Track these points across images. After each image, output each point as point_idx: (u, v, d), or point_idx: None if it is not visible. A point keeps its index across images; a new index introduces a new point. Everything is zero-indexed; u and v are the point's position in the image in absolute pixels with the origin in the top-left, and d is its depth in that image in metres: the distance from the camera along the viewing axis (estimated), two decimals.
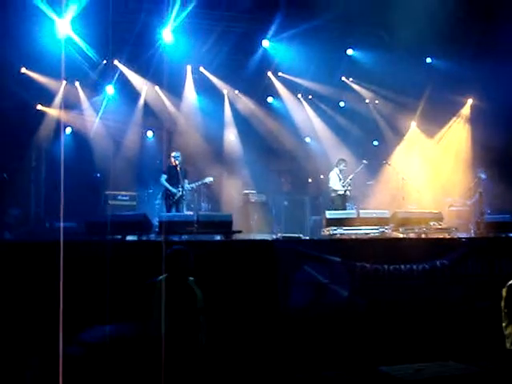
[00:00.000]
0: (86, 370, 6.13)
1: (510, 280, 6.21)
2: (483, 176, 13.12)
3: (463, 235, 10.51)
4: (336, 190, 13.14)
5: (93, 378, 6.16)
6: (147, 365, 5.51)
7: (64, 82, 14.58)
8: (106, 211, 13.53)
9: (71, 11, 12.09)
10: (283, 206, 15.66)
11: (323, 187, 15.20)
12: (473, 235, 10.82)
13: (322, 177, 15.93)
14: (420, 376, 6.56)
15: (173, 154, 12.31)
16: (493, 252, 8.91)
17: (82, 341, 6.40)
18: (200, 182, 12.47)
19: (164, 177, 12.21)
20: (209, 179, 12.48)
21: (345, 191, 13.12)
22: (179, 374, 5.49)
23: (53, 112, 14.94)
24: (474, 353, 7.45)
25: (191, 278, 5.97)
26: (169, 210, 11.98)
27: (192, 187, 12.38)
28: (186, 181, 12.23)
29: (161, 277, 5.83)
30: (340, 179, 13.16)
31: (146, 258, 6.97)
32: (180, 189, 12.04)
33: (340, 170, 13.29)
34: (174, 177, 12.12)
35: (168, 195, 12.11)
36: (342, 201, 13.12)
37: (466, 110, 16.11)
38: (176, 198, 12.02)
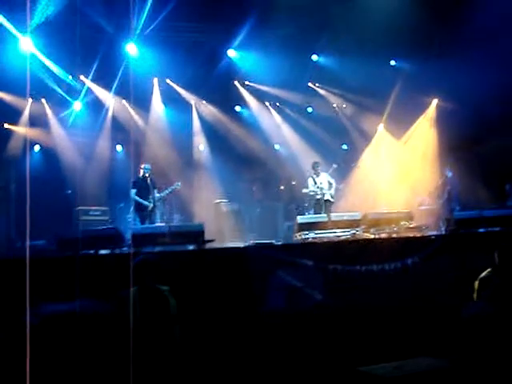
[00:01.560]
0: (41, 337, 6.16)
1: (481, 273, 6.33)
2: (450, 174, 13.33)
3: (433, 233, 10.65)
4: (313, 195, 13.16)
5: (47, 345, 6.18)
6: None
7: (30, 100, 14.51)
8: (77, 227, 13.44)
9: (34, 27, 11.99)
10: (256, 213, 15.70)
11: (295, 193, 15.29)
12: (443, 232, 10.95)
13: (293, 183, 16.03)
14: (399, 373, 6.59)
15: (142, 165, 12.32)
16: (463, 248, 9.03)
17: (39, 313, 6.44)
18: (169, 190, 12.50)
19: (133, 191, 12.18)
20: (177, 185, 12.52)
21: (323, 195, 13.02)
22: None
23: (20, 130, 14.84)
24: (449, 347, 7.54)
25: (165, 287, 5.98)
26: (143, 223, 11.97)
27: (161, 196, 12.40)
28: (156, 191, 12.26)
29: (132, 288, 5.84)
30: (315, 183, 13.17)
31: (118, 271, 6.95)
32: (151, 200, 12.06)
33: (316, 174, 13.25)
34: (145, 189, 12.13)
35: (140, 208, 12.11)
36: (322, 205, 12.99)
37: (431, 111, 16.31)
38: (149, 209, 12.03)
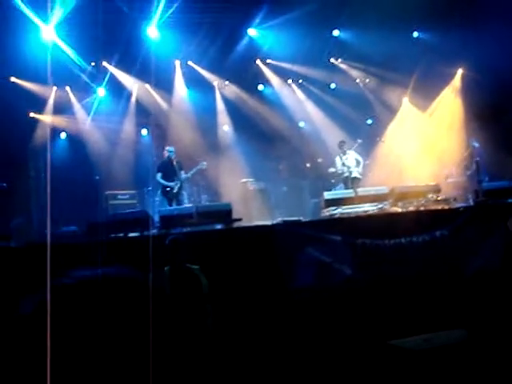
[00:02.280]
0: (76, 296, 6.33)
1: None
2: (476, 145, 13.19)
3: (462, 204, 10.58)
4: (341, 173, 13.20)
5: (81, 303, 6.35)
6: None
7: (54, 88, 14.65)
8: (106, 211, 13.60)
9: (56, 16, 12.07)
10: (282, 191, 15.72)
11: (321, 171, 15.26)
12: (471, 204, 10.87)
13: (319, 160, 15.99)
14: (429, 345, 6.61)
15: (167, 148, 12.44)
16: (493, 218, 8.95)
17: (73, 275, 6.61)
18: (195, 169, 12.57)
19: (159, 174, 12.37)
20: (202, 164, 12.60)
21: (350, 173, 13.04)
22: (186, 360, 5.60)
23: (46, 118, 15.00)
24: (480, 320, 7.53)
25: (195, 267, 6.07)
26: (170, 205, 12.10)
27: (188, 176, 12.49)
28: (183, 172, 12.36)
29: (165, 268, 5.94)
30: (342, 162, 13.18)
31: (148, 253, 7.04)
32: (177, 182, 12.16)
33: (343, 153, 13.30)
34: (170, 171, 12.29)
35: (167, 191, 12.24)
36: (350, 183, 12.96)
37: (456, 81, 16.07)
38: (175, 191, 12.15)
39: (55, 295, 4.34)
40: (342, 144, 13.41)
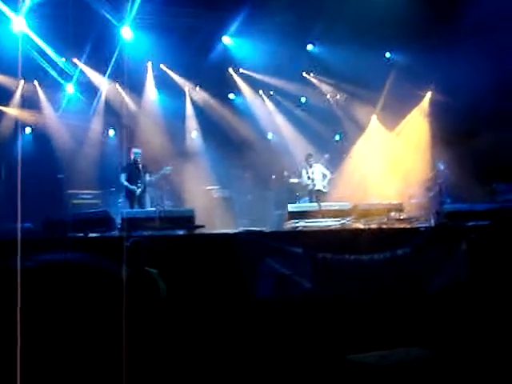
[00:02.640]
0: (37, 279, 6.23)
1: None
2: (442, 167, 13.36)
3: (423, 224, 10.69)
4: (305, 186, 13.29)
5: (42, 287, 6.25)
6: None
7: (22, 81, 14.42)
8: (68, 210, 13.39)
9: (27, 7, 11.88)
10: (247, 201, 15.69)
11: (287, 182, 15.29)
12: (433, 224, 10.99)
13: (285, 173, 16.03)
14: (387, 362, 6.62)
15: (133, 150, 12.31)
16: (452, 240, 9.07)
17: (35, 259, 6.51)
18: (160, 174, 12.44)
19: (123, 176, 12.18)
20: (167, 169, 12.46)
21: (314, 185, 13.15)
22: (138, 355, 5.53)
23: (11, 111, 14.74)
24: (438, 338, 7.59)
25: (154, 270, 6.00)
26: (132, 207, 11.95)
27: (151, 180, 12.37)
28: (147, 175, 12.23)
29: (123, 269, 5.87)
30: (307, 174, 13.26)
31: (108, 254, 6.96)
32: (141, 185, 12.04)
33: (310, 165, 13.38)
34: (134, 173, 12.12)
35: (129, 193, 12.11)
36: (314, 196, 13.13)
37: (425, 103, 16.30)
38: (137, 194, 12.02)
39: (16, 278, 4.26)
40: (308, 157, 13.52)
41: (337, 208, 10.92)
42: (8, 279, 4.24)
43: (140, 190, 12.05)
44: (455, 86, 13.58)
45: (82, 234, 9.05)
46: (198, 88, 16.41)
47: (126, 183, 12.11)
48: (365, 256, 8.56)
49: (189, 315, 7.05)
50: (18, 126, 14.50)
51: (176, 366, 5.96)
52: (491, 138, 13.15)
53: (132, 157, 12.23)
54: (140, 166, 12.12)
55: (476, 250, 8.75)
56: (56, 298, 6.42)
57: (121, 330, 4.95)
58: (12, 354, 3.84)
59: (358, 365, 6.59)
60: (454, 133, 13.96)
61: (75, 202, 13.93)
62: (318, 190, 13.12)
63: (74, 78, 14.90)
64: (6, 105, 14.71)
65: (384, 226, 10.33)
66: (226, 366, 6.82)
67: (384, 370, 5.98)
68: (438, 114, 15.19)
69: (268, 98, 17.23)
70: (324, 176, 13.35)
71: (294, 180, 13.43)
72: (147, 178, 12.17)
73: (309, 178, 13.18)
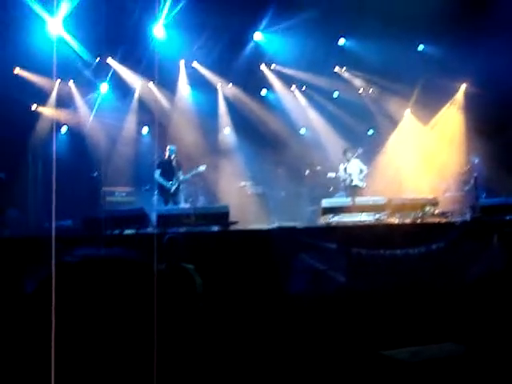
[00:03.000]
0: (78, 273, 6.35)
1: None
2: (476, 160, 13.22)
3: (458, 219, 10.59)
4: (343, 180, 13.34)
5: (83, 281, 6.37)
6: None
7: (58, 81, 14.64)
8: (103, 208, 13.58)
9: (63, 10, 12.07)
10: (280, 197, 15.71)
11: (320, 178, 15.27)
12: (467, 219, 10.88)
13: (318, 168, 16.00)
14: (419, 358, 6.60)
15: (168, 147, 12.43)
16: (488, 234, 8.96)
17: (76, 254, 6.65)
18: (194, 172, 12.53)
19: (158, 172, 12.32)
20: (202, 167, 12.54)
21: (351, 181, 13.20)
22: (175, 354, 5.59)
23: (48, 111, 14.99)
24: (473, 333, 7.52)
25: (190, 266, 6.07)
26: (166, 204, 12.08)
27: (186, 178, 12.48)
28: (180, 172, 12.34)
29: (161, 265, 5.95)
30: (345, 169, 13.30)
31: (144, 250, 7.06)
32: (174, 182, 12.16)
33: (347, 160, 13.41)
34: (169, 170, 12.26)
35: (163, 190, 12.24)
36: (350, 191, 13.21)
37: (459, 96, 16.13)
38: (171, 191, 12.15)
39: (57, 273, 4.35)
40: (346, 151, 13.51)
41: (371, 203, 10.87)
42: (57, 273, 4.34)
43: (174, 187, 12.18)
44: (489, 78, 13.43)
45: (117, 231, 9.19)
46: (230, 85, 16.45)
47: (160, 179, 12.23)
48: (399, 251, 8.53)
49: (224, 310, 7.10)
50: (54, 125, 14.77)
51: (211, 361, 6.02)
52: None
53: (167, 154, 12.35)
54: (174, 162, 12.24)
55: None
56: (94, 292, 6.53)
57: (157, 324, 5.03)
58: (48, 347, 3.94)
59: (390, 360, 6.58)
60: (489, 126, 13.80)
61: (110, 199, 14.11)
62: (355, 186, 13.13)
63: (108, 77, 15.08)
64: (43, 105, 14.97)
65: (419, 221, 10.25)
66: (261, 361, 6.86)
67: (415, 366, 5.96)
68: (473, 107, 15.02)
69: (300, 93, 17.19)
70: (361, 171, 13.32)
71: (331, 174, 13.40)
72: (181, 175, 12.27)
73: (346, 172, 13.18)
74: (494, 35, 12.52)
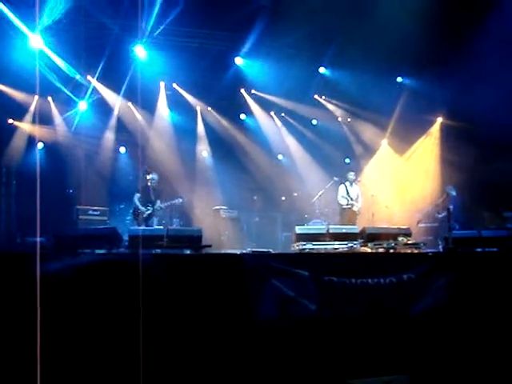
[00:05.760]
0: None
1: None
2: (453, 193, 13.32)
3: (431, 250, 10.63)
4: (341, 204, 13.59)
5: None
6: None
7: (36, 97, 14.55)
8: (76, 226, 13.48)
9: (43, 25, 12.04)
10: (255, 222, 15.68)
11: (296, 204, 15.31)
12: (440, 250, 10.93)
13: (295, 194, 16.04)
14: None
15: (149, 176, 12.64)
16: (459, 266, 9.00)
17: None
18: (170, 203, 12.90)
19: (137, 195, 12.64)
20: (178, 200, 12.95)
21: (352, 205, 13.49)
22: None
23: (24, 127, 14.88)
24: (437, 366, 7.56)
25: None
26: (138, 226, 12.10)
27: (161, 207, 12.80)
28: (158, 201, 12.67)
29: None
30: (347, 192, 13.58)
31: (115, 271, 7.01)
32: (150, 207, 12.52)
33: (350, 183, 13.67)
34: (147, 196, 12.58)
35: (138, 212, 12.47)
36: (347, 215, 13.48)
37: (435, 129, 16.33)
38: (145, 215, 12.48)
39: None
40: (350, 174, 13.82)
41: (344, 231, 10.87)
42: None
43: (149, 212, 12.50)
44: (465, 111, 13.62)
45: (89, 250, 9.06)
46: (209, 108, 16.48)
47: (137, 202, 12.53)
48: (371, 280, 8.51)
49: (193, 333, 7.05)
50: (28, 141, 14.64)
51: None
52: (502, 164, 13.13)
53: (148, 181, 12.60)
54: (154, 191, 12.60)
55: (482, 276, 8.70)
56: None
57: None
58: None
59: None
60: (464, 159, 13.96)
61: (83, 217, 14.00)
62: (354, 211, 13.44)
63: (87, 94, 15.03)
64: (20, 120, 14.84)
65: (391, 251, 10.27)
66: None
67: None
68: (448, 140, 15.21)
69: (279, 119, 17.30)
70: (358, 197, 13.66)
71: (342, 201, 13.57)
72: (157, 203, 12.58)
73: (349, 195, 13.53)
74: (470, 69, 12.73)
